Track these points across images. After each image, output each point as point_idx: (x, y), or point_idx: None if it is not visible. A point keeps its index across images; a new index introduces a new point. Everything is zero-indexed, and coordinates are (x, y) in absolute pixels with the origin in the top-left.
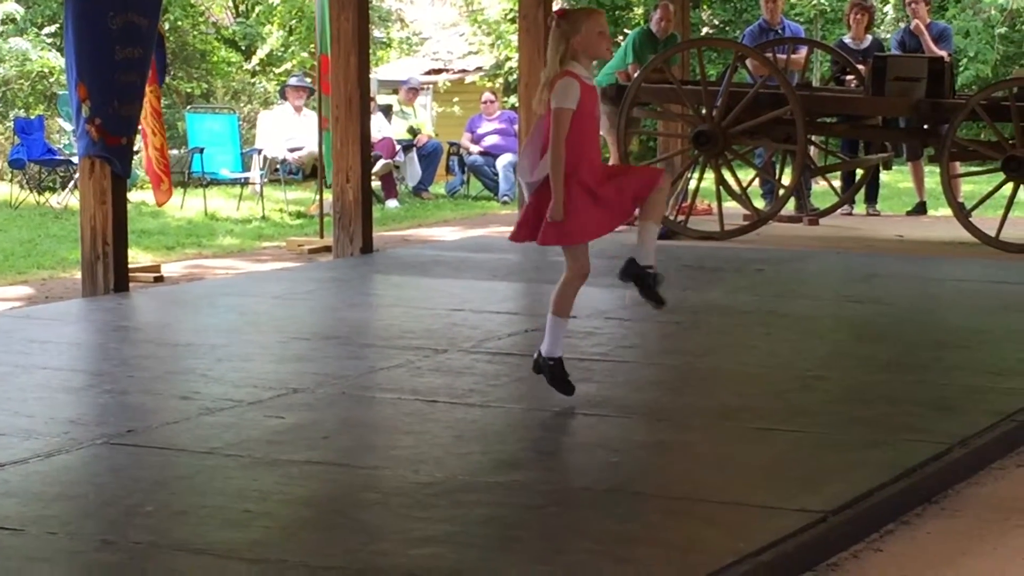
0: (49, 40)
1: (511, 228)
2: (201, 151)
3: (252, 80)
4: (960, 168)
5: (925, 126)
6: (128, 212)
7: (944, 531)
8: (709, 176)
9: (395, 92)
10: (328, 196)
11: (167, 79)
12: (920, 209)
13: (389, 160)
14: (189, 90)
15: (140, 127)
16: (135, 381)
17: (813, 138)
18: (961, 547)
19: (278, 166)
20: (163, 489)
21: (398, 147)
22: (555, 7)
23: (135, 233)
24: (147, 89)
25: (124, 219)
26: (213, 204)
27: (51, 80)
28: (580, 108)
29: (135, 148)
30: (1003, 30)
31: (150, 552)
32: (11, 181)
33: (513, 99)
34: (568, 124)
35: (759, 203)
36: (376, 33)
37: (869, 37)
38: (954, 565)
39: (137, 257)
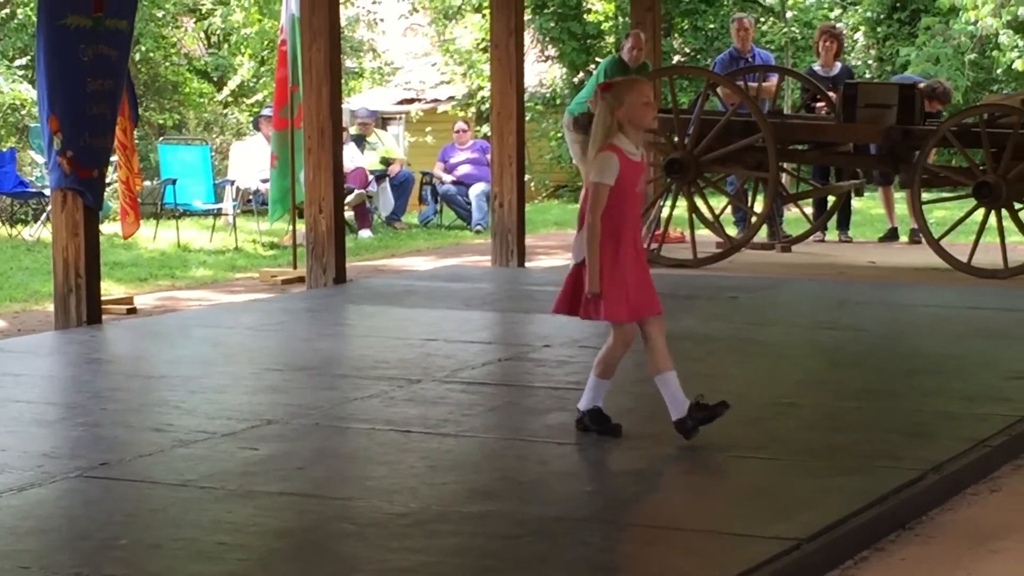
0: (21, 72)
1: (485, 257)
2: (174, 182)
3: (224, 111)
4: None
5: (896, 153)
6: (101, 244)
7: (918, 557)
8: (682, 204)
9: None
10: (301, 227)
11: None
12: (892, 235)
13: (362, 190)
14: (161, 121)
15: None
16: (108, 414)
17: (785, 165)
18: (935, 573)
19: (251, 197)
20: (137, 522)
21: (371, 177)
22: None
23: (108, 265)
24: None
25: (97, 251)
26: (186, 235)
27: (23, 112)
28: (620, 183)
29: (107, 180)
30: (973, 56)
31: None
32: None
33: (486, 128)
34: (604, 199)
35: (732, 231)
36: (348, 63)
37: (839, 64)
38: None
39: (110, 289)
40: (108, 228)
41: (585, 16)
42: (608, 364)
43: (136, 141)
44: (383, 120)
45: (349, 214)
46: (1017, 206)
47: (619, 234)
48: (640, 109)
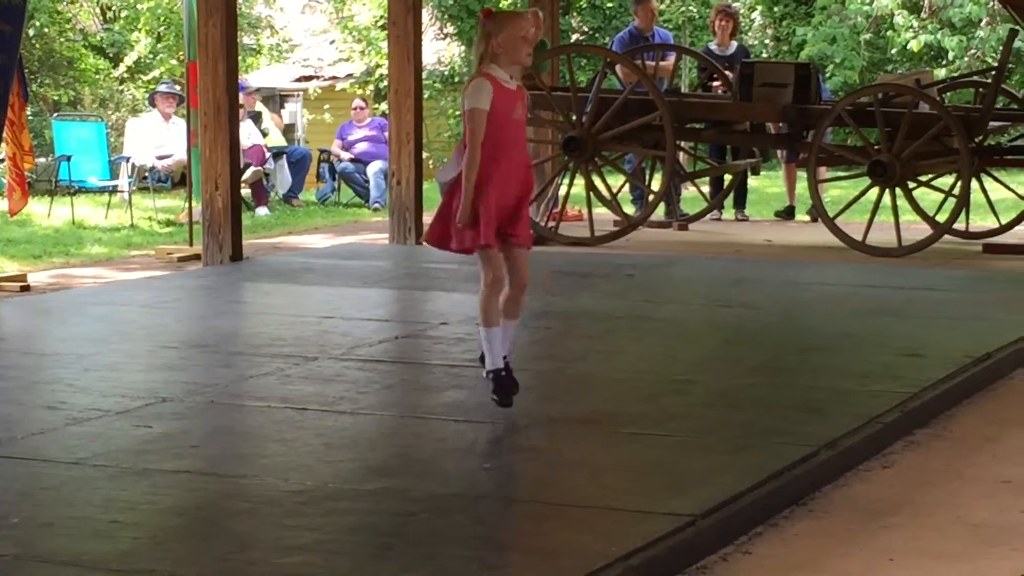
0: None
1: (382, 235)
2: (68, 159)
3: (120, 87)
4: (826, 173)
5: (791, 131)
6: None
7: (812, 532)
8: (579, 182)
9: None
10: (197, 204)
11: (33, 86)
12: (789, 213)
13: (259, 167)
14: (56, 97)
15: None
16: (0, 392)
17: (682, 144)
18: (829, 548)
19: (147, 174)
20: (29, 500)
21: (268, 154)
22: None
23: (1, 242)
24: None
25: None
26: (81, 212)
27: None
28: (495, 111)
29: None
30: (868, 36)
31: (15, 565)
32: None
33: (383, 106)
34: (483, 126)
35: (629, 209)
36: (246, 40)
37: (734, 43)
38: (821, 566)
39: (3, 266)
40: (1, 204)
41: None
42: (484, 308)
43: (30, 117)
44: (281, 97)
45: (246, 191)
46: (911, 185)
47: (497, 160)
48: (516, 42)
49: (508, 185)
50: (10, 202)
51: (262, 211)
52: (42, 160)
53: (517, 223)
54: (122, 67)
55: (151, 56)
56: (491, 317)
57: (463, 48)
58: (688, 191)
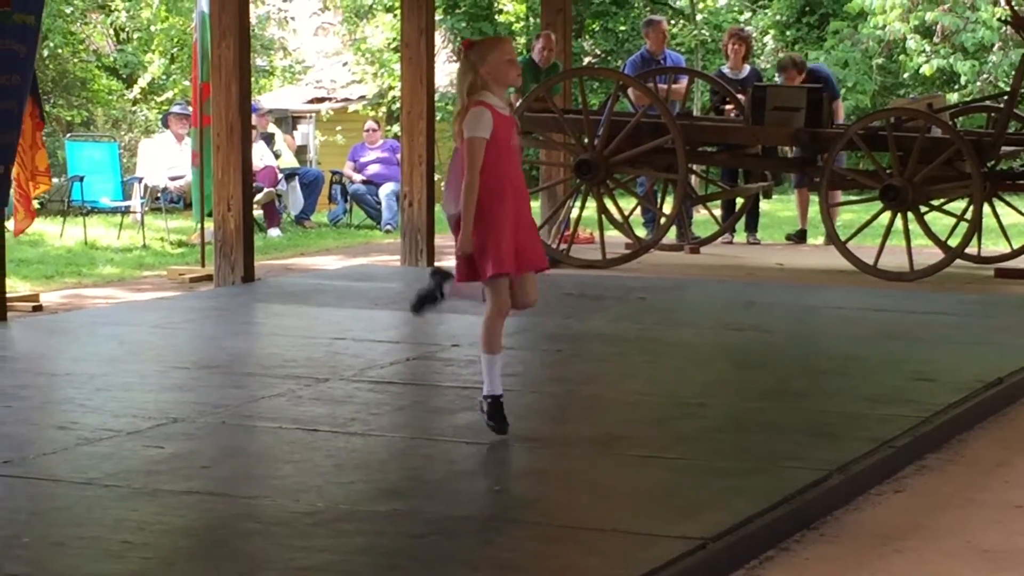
0: None
1: (394, 256)
2: (81, 179)
3: (133, 108)
4: (840, 197)
5: (804, 155)
6: (6, 240)
7: (823, 557)
8: (591, 205)
9: (277, 122)
10: (210, 225)
11: (46, 107)
12: (800, 237)
13: (271, 189)
14: (69, 118)
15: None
16: (12, 411)
17: (694, 167)
18: (839, 572)
19: (159, 194)
20: (40, 520)
21: (280, 176)
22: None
23: (13, 262)
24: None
25: (2, 247)
26: (93, 233)
27: None
28: (495, 138)
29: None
30: (881, 60)
31: None
32: None
33: (396, 128)
34: (482, 154)
35: (641, 232)
36: (259, 61)
37: (747, 67)
38: None
39: (15, 286)
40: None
41: (496, 17)
42: (487, 334)
43: (44, 138)
44: (293, 118)
45: (258, 212)
46: (923, 209)
47: (500, 190)
48: (504, 66)
49: (518, 210)
50: (15, 221)
51: (274, 232)
52: (55, 180)
53: (534, 246)
54: (136, 88)
55: (164, 77)
56: (494, 344)
57: None
58: (700, 214)
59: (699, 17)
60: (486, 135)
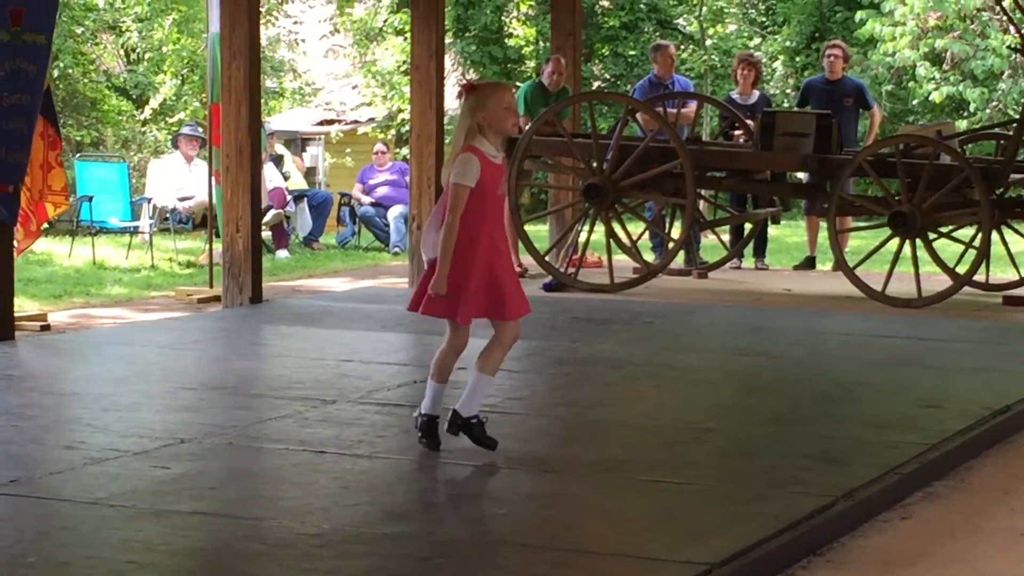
0: None
1: (402, 279)
2: (90, 199)
3: (143, 129)
4: (851, 222)
5: (813, 181)
6: (15, 260)
7: None
8: (599, 229)
9: (286, 143)
10: (218, 245)
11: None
12: (808, 264)
13: (280, 210)
14: (79, 138)
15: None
16: (19, 430)
17: (702, 192)
18: None
19: (168, 215)
20: (47, 540)
21: (289, 197)
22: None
23: (22, 281)
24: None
25: (10, 266)
26: (102, 253)
27: None
28: (481, 185)
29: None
30: (890, 87)
31: None
32: None
33: (405, 150)
34: (464, 201)
35: (649, 256)
36: (269, 83)
37: (756, 92)
38: None
39: (24, 305)
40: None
41: (506, 40)
42: (441, 366)
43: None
44: (302, 140)
45: (267, 234)
46: (931, 236)
47: (477, 236)
48: (501, 114)
49: (496, 259)
50: (16, 241)
51: (282, 254)
52: None
53: (514, 295)
54: (147, 109)
55: (175, 98)
56: (443, 375)
57: None
58: (708, 239)
59: (708, 43)
60: (471, 184)
